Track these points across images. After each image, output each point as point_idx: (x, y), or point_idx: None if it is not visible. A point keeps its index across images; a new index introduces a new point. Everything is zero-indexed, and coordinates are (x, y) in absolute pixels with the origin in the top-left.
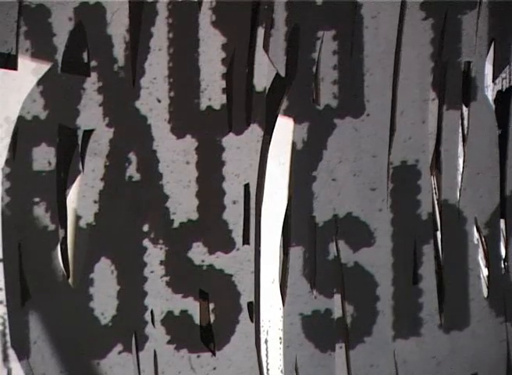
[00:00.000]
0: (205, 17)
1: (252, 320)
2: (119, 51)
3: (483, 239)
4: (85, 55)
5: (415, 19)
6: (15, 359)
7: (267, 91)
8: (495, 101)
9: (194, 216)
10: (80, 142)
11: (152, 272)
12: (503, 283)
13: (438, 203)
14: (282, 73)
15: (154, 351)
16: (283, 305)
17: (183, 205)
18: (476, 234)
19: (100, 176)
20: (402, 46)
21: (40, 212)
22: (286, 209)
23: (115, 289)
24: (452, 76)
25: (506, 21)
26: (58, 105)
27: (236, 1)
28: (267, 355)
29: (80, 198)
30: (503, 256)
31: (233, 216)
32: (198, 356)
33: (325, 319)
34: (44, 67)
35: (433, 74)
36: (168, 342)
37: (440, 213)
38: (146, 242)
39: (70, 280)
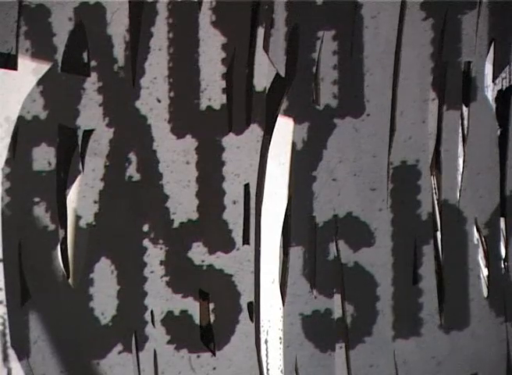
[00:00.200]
0: (205, 17)
1: (252, 320)
2: (119, 51)
3: (483, 239)
4: (85, 55)
5: (415, 19)
6: (15, 359)
7: (267, 91)
8: (495, 100)
9: (194, 215)
10: (80, 142)
11: (152, 272)
12: (503, 283)
13: (438, 203)
14: (282, 73)
15: (154, 351)
16: (283, 305)
17: (183, 205)
18: (476, 234)
19: (100, 176)
20: (402, 46)
21: (41, 212)
22: (286, 209)
23: (115, 289)
24: (452, 76)
25: (506, 21)
26: (58, 104)
27: (236, 1)
28: (267, 355)
29: (80, 198)
30: (503, 256)
31: (233, 215)
32: (198, 356)
33: (325, 319)
34: (44, 67)
35: (433, 74)
36: (168, 342)
37: (440, 213)
38: (146, 242)
39: (70, 280)
